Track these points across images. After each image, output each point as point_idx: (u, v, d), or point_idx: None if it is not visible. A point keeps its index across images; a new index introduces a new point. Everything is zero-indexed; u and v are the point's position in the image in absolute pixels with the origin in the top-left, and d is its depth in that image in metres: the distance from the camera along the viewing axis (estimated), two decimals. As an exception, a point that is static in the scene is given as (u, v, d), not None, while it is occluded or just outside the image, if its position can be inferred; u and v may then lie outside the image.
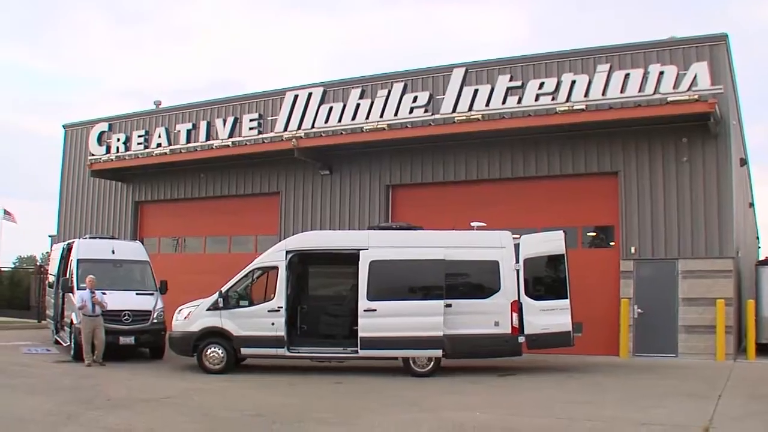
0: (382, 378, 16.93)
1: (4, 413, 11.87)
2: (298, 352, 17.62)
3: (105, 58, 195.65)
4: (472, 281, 17.64)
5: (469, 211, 21.24)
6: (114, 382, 15.75)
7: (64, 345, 21.11)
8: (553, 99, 20.51)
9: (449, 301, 16.93)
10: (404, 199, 24.49)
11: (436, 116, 22.09)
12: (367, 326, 17.00)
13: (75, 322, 19.40)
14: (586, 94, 20.17)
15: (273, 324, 17.33)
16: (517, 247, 17.59)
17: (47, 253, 40.25)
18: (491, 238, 17.71)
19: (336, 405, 13.26)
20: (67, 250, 22.49)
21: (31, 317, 32.48)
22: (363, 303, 17.13)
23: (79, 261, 20.87)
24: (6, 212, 43.09)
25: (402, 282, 17.34)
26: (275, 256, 17.99)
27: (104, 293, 18.87)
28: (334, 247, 18.18)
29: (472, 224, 18.43)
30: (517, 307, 17.09)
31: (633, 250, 20.77)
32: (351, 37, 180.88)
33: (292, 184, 26.34)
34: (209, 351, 17.64)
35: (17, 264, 75.82)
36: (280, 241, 19.86)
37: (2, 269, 41.30)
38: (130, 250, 22.35)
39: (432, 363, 17.15)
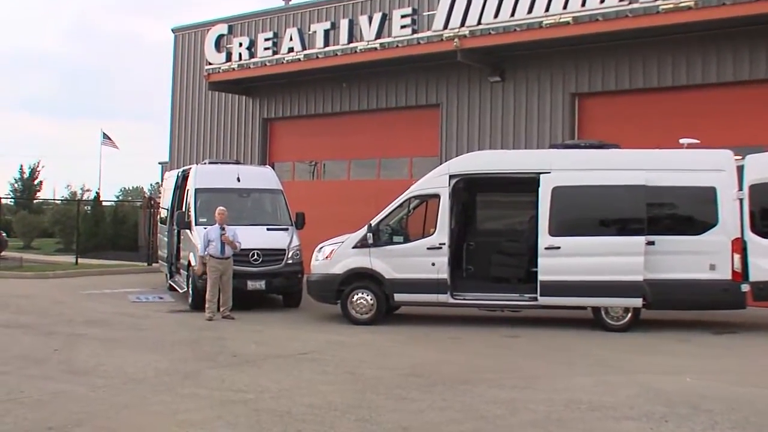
0: (567, 332, 16.95)
1: (111, 372, 12.34)
2: (464, 299, 17.78)
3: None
4: (681, 213, 17.30)
5: (677, 126, 20.68)
6: (241, 335, 16.17)
7: (180, 291, 21.86)
8: (791, -24, 19.41)
9: (652, 238, 16.64)
10: (594, 110, 24.01)
11: (635, 5, 21.33)
12: (549, 268, 16.94)
13: (193, 264, 19.93)
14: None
15: (433, 264, 17.46)
16: (740, 170, 16.98)
17: (158, 183, 41.91)
18: (706, 159, 17.21)
19: (510, 364, 13.34)
20: (183, 179, 23.14)
21: (139, 260, 33.73)
22: (544, 239, 17.06)
23: (197, 191, 21.38)
24: (105, 136, 45.08)
25: (592, 213, 17.23)
26: (436, 181, 18.02)
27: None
28: (508, 170, 18.06)
29: (682, 141, 17.89)
30: (740, 246, 16.58)
31: None
32: None
33: (454, 95, 26.24)
34: (356, 297, 17.97)
35: (121, 197, 79.40)
36: (441, 163, 19.94)
37: (103, 203, 43.13)
38: (259, 176, 22.72)
39: (629, 315, 17.00)
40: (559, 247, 16.91)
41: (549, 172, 17.33)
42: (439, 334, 16.57)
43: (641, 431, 9.20)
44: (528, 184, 17.53)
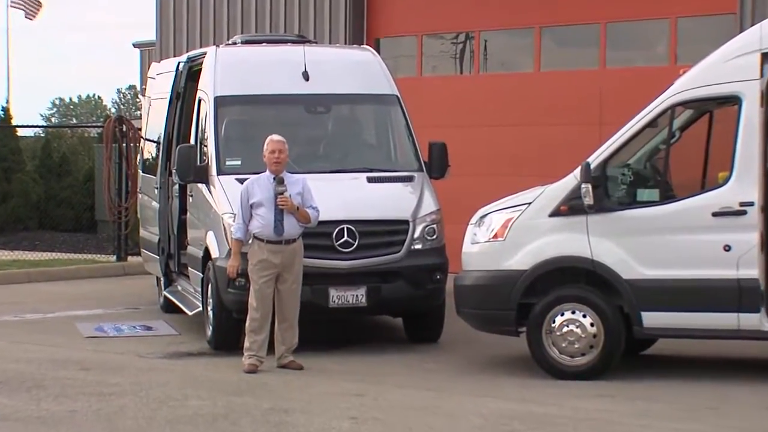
0: None
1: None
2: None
3: None
4: None
5: None
6: (319, 403, 15.85)
7: (189, 313, 22.09)
8: None
9: None
10: None
11: None
12: None
13: (216, 254, 19.75)
14: None
15: (728, 248, 16.58)
16: None
17: (134, 88, 42.09)
18: None
19: None
20: (189, 79, 23.45)
21: (100, 250, 34.26)
22: None
23: (219, 102, 21.25)
24: None
25: None
26: (731, 68, 17.08)
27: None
28: None
29: None
30: None
31: None
32: None
33: None
34: (560, 321, 17.36)
35: (57, 120, 79.94)
36: (742, 29, 19.54)
37: (19, 132, 43.35)
38: (349, 69, 22.85)
39: None
40: None
41: None
42: (746, 401, 15.82)
43: None
44: None
